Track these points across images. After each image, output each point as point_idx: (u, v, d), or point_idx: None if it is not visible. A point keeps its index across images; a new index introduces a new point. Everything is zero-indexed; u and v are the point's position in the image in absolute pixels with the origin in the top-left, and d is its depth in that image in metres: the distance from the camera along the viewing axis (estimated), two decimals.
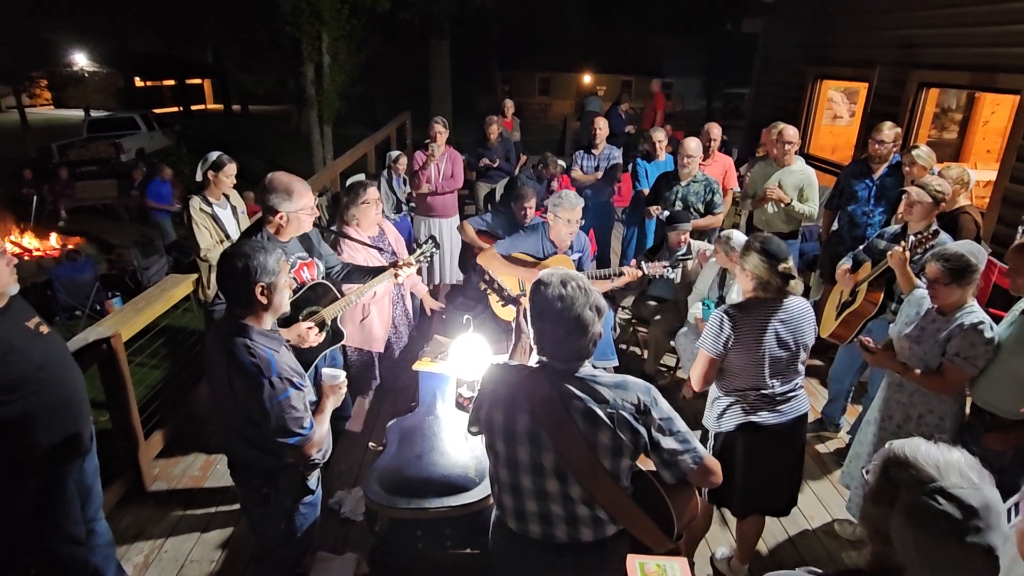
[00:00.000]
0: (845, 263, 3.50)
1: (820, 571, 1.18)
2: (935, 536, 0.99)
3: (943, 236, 3.06)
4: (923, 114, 6.20)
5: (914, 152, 3.86)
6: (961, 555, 0.97)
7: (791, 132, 4.58)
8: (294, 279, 2.71)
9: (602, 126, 5.77)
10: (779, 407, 2.42)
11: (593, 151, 5.76)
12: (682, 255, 4.09)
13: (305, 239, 2.87)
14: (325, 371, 2.21)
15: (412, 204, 6.50)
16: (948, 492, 0.99)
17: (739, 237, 3.55)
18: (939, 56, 5.90)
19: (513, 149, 7.06)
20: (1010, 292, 2.51)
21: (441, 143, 5.45)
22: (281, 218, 2.64)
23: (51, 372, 2.09)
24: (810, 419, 2.85)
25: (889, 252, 3.02)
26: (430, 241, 3.17)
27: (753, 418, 2.41)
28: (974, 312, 2.42)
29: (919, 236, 3.02)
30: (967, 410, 2.59)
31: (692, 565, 2.81)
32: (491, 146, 6.70)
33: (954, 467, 1.02)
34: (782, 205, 4.53)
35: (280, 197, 2.61)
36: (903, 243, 2.98)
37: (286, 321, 2.61)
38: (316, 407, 2.13)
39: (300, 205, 2.65)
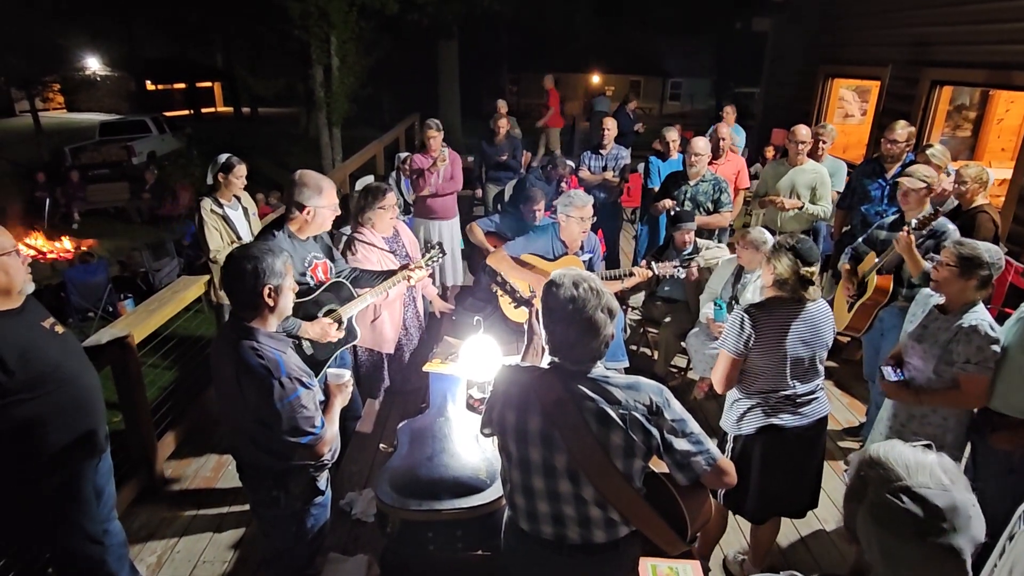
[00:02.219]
0: (844, 260, 3.51)
1: None
2: (895, 534, 1.00)
3: (942, 219, 3.12)
4: (936, 112, 6.15)
5: (928, 151, 3.83)
6: (922, 555, 0.98)
7: (803, 131, 4.55)
8: (311, 278, 2.73)
9: (610, 126, 5.75)
10: (801, 409, 2.40)
11: (601, 151, 5.74)
12: (688, 254, 4.06)
13: (321, 241, 2.89)
14: (330, 371, 2.24)
15: None
16: (913, 491, 0.99)
17: (767, 235, 3.54)
18: (952, 53, 5.84)
19: (520, 147, 7.06)
20: (1016, 286, 2.48)
21: (438, 146, 5.31)
22: (308, 213, 2.67)
23: (68, 371, 2.11)
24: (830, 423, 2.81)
25: (895, 238, 3.06)
26: (438, 247, 3.19)
27: (775, 420, 2.39)
28: (975, 313, 2.37)
29: (921, 219, 3.05)
30: (974, 410, 2.55)
31: (707, 571, 2.79)
32: (498, 142, 6.69)
33: (924, 468, 1.02)
34: (796, 209, 4.51)
35: (311, 192, 2.67)
36: (906, 227, 3.01)
37: (307, 318, 2.63)
38: (324, 407, 2.14)
39: (328, 202, 2.71)
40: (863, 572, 1.09)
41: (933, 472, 1.01)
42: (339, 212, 2.82)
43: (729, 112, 6.99)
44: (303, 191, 2.66)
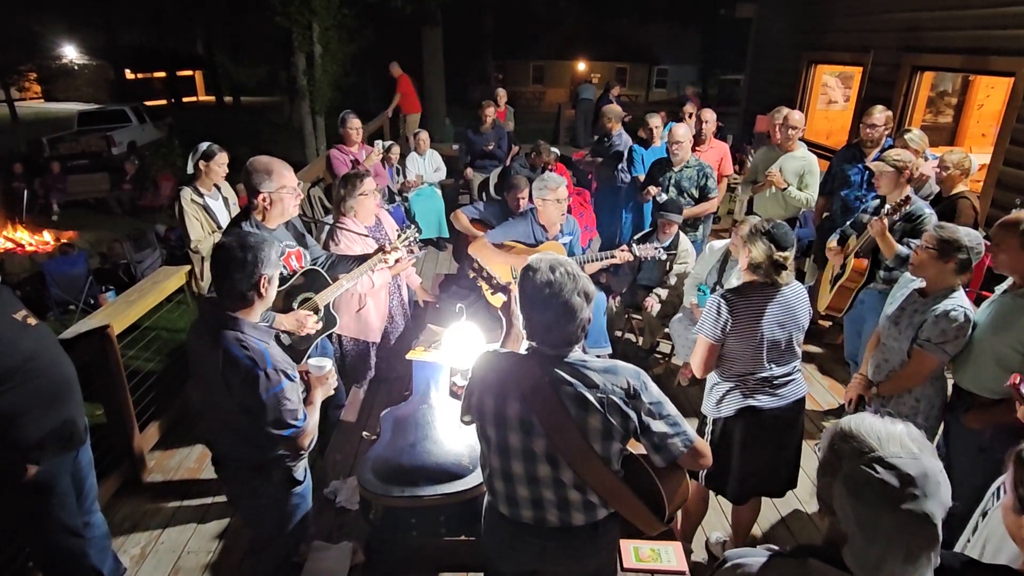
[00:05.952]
0: (833, 239, 3.56)
1: (778, 548, 1.22)
2: (871, 503, 1.03)
3: (920, 203, 3.21)
4: (917, 98, 6.19)
5: (906, 136, 3.86)
6: (897, 522, 1.01)
7: (796, 117, 4.57)
8: (284, 267, 2.71)
9: (613, 116, 5.80)
10: (778, 391, 2.43)
11: (605, 140, 5.78)
12: (667, 247, 4.07)
13: (292, 228, 2.86)
14: (311, 362, 2.21)
15: (405, 195, 6.48)
16: (886, 461, 1.02)
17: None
18: (933, 39, 5.88)
19: (505, 137, 7.05)
20: (992, 269, 2.53)
21: (359, 140, 5.10)
22: (264, 199, 2.63)
23: (41, 363, 2.08)
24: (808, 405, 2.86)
25: (869, 222, 3.15)
26: (413, 227, 3.18)
27: (752, 402, 2.42)
28: (953, 298, 2.40)
29: (895, 204, 3.13)
30: (949, 392, 2.60)
31: (689, 553, 2.83)
32: (484, 131, 6.67)
33: (895, 438, 1.05)
34: (779, 190, 4.54)
35: (260, 177, 2.61)
36: (882, 212, 3.13)
37: (282, 310, 2.61)
38: (306, 399, 2.13)
39: (281, 184, 2.64)
40: (837, 542, 1.11)
41: (903, 441, 1.05)
42: (301, 195, 2.77)
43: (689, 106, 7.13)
44: (254, 177, 2.61)
